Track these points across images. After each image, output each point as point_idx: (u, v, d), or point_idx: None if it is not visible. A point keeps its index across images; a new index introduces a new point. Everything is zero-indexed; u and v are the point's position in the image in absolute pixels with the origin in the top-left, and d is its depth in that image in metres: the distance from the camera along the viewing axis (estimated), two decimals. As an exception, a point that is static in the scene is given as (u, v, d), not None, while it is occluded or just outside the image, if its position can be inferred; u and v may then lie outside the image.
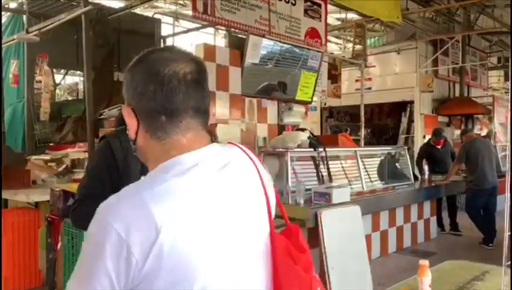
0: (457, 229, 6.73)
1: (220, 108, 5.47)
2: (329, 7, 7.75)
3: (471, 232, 6.38)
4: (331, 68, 8.69)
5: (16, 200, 4.31)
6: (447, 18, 10.74)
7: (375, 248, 5.40)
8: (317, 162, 5.01)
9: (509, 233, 1.68)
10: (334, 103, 10.07)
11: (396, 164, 6.64)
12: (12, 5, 7.09)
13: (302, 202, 4.25)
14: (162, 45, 7.83)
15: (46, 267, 3.92)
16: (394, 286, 2.05)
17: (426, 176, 7.01)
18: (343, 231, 4.18)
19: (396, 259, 5.42)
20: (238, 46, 5.77)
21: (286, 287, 0.88)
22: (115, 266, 0.74)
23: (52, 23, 5.22)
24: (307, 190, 4.44)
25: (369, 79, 10.20)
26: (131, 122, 0.90)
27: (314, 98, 7.16)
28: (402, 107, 10.93)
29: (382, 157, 6.44)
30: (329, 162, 5.03)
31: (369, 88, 10.05)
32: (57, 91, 7.61)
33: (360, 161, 5.53)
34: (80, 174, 4.80)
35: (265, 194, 0.93)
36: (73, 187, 3.68)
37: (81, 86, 7.11)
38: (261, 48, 5.77)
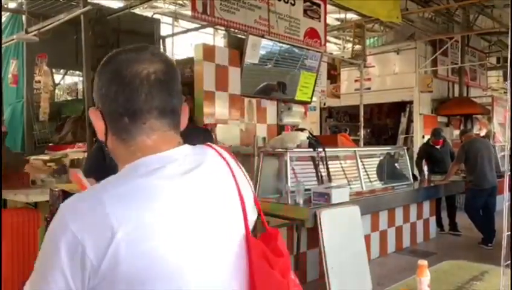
0: (456, 229, 6.73)
1: (219, 108, 5.47)
2: (329, 7, 7.75)
3: (470, 232, 6.38)
4: (330, 68, 8.69)
5: (15, 200, 4.31)
6: (446, 18, 10.75)
7: (375, 248, 5.40)
8: (317, 162, 5.01)
9: (508, 233, 1.69)
10: (333, 103, 10.08)
11: (396, 164, 6.65)
12: (12, 5, 7.09)
13: (301, 202, 4.26)
14: (161, 45, 7.85)
15: (45, 267, 3.92)
16: (393, 286, 2.05)
17: (425, 176, 7.02)
18: (343, 231, 4.19)
19: (395, 259, 5.42)
20: (237, 46, 5.78)
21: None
22: (70, 266, 0.73)
23: (51, 23, 5.23)
24: (306, 190, 4.45)
25: (369, 79, 10.21)
26: (99, 124, 0.89)
27: (314, 98, 7.17)
28: (401, 107, 10.94)
29: (381, 158, 6.45)
30: (329, 162, 5.03)
31: (369, 88, 10.06)
32: (56, 91, 7.61)
33: (359, 161, 5.54)
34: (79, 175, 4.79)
35: (240, 197, 0.91)
36: (73, 187, 3.68)
37: (80, 86, 7.11)
38: (260, 48, 5.78)
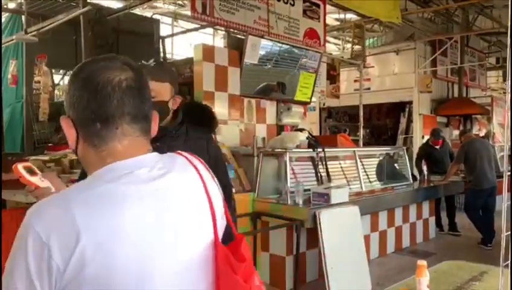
0: (455, 230, 6.74)
1: (218, 108, 5.47)
2: (328, 8, 7.75)
3: (470, 233, 6.39)
4: (329, 68, 8.70)
5: (14, 200, 4.30)
6: (446, 18, 10.76)
7: (374, 248, 5.40)
8: (316, 162, 5.01)
9: (507, 233, 1.69)
10: (333, 103, 10.08)
11: (395, 164, 6.65)
12: (11, 6, 7.08)
13: (301, 202, 4.26)
14: (160, 46, 7.85)
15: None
16: (393, 286, 2.05)
17: (425, 176, 7.02)
18: (342, 232, 4.19)
19: (395, 259, 5.43)
20: (237, 47, 5.78)
21: None
22: (36, 269, 0.74)
23: (51, 24, 5.23)
24: (305, 190, 4.45)
25: (368, 79, 10.22)
26: (70, 132, 0.91)
27: (313, 99, 7.17)
28: (401, 107, 10.94)
29: (381, 158, 6.45)
30: (328, 163, 5.03)
31: (368, 88, 10.06)
32: (56, 91, 7.60)
33: (358, 161, 5.54)
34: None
35: (210, 203, 0.92)
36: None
37: (80, 87, 7.09)
38: (259, 48, 5.78)
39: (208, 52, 5.45)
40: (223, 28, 6.72)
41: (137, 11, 7.33)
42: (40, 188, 1.12)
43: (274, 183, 4.79)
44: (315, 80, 6.81)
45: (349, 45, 10.78)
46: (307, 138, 5.06)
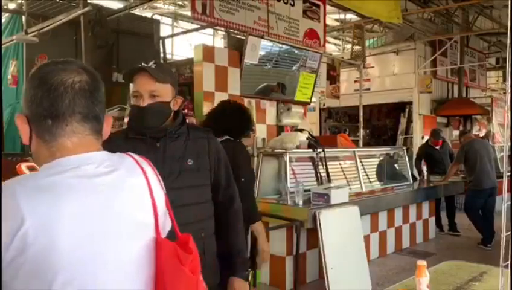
0: (455, 230, 6.74)
1: (218, 109, 5.47)
2: (328, 8, 7.76)
3: (470, 233, 6.39)
4: (329, 69, 8.71)
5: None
6: (446, 19, 10.76)
7: (374, 249, 5.40)
8: (316, 162, 5.01)
9: (507, 234, 1.69)
10: (332, 104, 10.09)
11: (395, 165, 6.65)
12: (11, 6, 7.08)
13: (301, 202, 4.26)
14: (161, 46, 7.86)
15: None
16: (392, 287, 2.05)
17: (425, 177, 7.02)
18: (342, 232, 4.19)
19: (394, 259, 5.43)
20: (237, 47, 5.78)
21: (171, 287, 0.94)
22: None
23: (51, 24, 5.23)
24: (305, 190, 4.45)
25: (368, 80, 10.23)
26: (23, 128, 0.95)
27: (313, 99, 7.17)
28: (401, 107, 10.95)
29: (381, 158, 6.45)
30: (328, 163, 5.03)
31: (368, 89, 10.07)
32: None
33: (358, 161, 5.54)
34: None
35: (153, 203, 0.98)
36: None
37: (80, 87, 7.10)
38: (259, 48, 5.78)
39: (208, 52, 5.45)
40: (223, 29, 6.72)
41: (138, 11, 7.33)
42: None
43: (274, 183, 4.79)
44: (315, 80, 6.81)
45: (349, 46, 10.78)
46: (307, 139, 5.06)
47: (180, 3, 10.05)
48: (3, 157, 4.68)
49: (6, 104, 6.57)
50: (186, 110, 5.32)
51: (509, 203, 1.73)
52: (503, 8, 9.20)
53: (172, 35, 9.05)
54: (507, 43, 1.56)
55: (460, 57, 11.12)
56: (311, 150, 4.95)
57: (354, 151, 5.65)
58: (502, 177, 6.44)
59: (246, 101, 5.93)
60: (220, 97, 5.51)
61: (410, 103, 10.41)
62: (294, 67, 6.39)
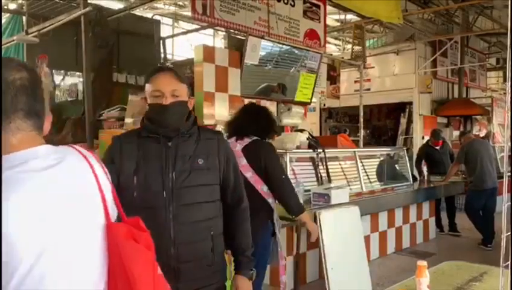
0: (455, 230, 6.74)
1: (219, 109, 5.47)
2: (329, 8, 7.76)
3: (470, 233, 6.39)
4: (330, 69, 8.71)
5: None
6: (446, 19, 10.76)
7: (374, 249, 5.41)
8: (316, 163, 5.01)
9: (507, 234, 1.69)
10: (333, 104, 10.09)
11: (395, 165, 6.65)
12: (12, 6, 7.09)
13: (301, 202, 4.25)
14: (161, 47, 7.86)
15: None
16: (392, 287, 2.06)
17: (425, 177, 7.02)
18: (342, 232, 4.19)
19: (395, 260, 5.43)
20: (237, 48, 5.78)
21: (131, 265, 0.98)
22: None
23: (51, 25, 5.23)
24: (306, 190, 4.45)
25: (368, 80, 10.22)
26: None
27: (313, 99, 7.16)
28: (401, 108, 10.95)
29: (381, 158, 6.45)
30: (329, 163, 5.03)
31: (368, 89, 10.06)
32: (57, 92, 7.60)
33: (359, 161, 5.54)
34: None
35: (100, 191, 1.04)
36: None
37: (80, 87, 7.10)
38: (260, 49, 5.78)
39: (209, 53, 5.45)
40: (223, 29, 6.72)
41: (138, 12, 7.34)
42: None
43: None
44: (315, 80, 6.81)
45: (349, 46, 10.78)
46: (307, 139, 5.06)
47: (181, 3, 10.05)
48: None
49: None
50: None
51: (510, 203, 1.74)
52: (504, 8, 9.20)
53: (172, 36, 9.04)
54: (507, 43, 1.56)
55: (461, 57, 11.11)
56: (311, 150, 4.95)
57: (354, 152, 5.65)
58: (502, 177, 6.43)
59: (246, 102, 5.93)
60: (220, 97, 5.51)
61: (411, 103, 10.40)
62: (294, 68, 6.38)
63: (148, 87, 1.73)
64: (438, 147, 7.12)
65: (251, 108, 3.22)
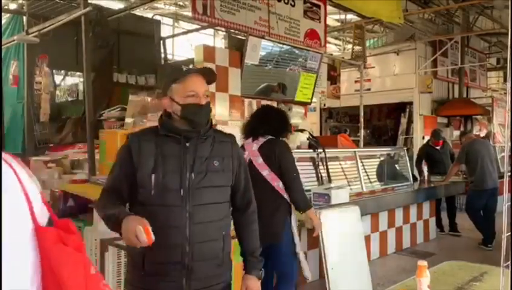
0: (456, 230, 6.74)
1: (219, 109, 5.47)
2: (329, 8, 7.76)
3: (470, 233, 6.39)
4: (330, 69, 8.70)
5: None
6: (446, 19, 10.76)
7: (374, 249, 5.40)
8: (317, 163, 5.01)
9: (508, 234, 1.69)
10: (333, 104, 10.08)
11: (396, 165, 6.65)
12: (12, 6, 7.09)
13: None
14: (161, 47, 7.86)
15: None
16: (393, 287, 2.06)
17: (425, 177, 7.02)
18: (343, 232, 4.19)
19: (395, 260, 5.43)
20: (237, 47, 5.78)
21: (59, 268, 0.98)
22: None
23: (52, 25, 5.23)
24: (306, 190, 4.44)
25: (369, 80, 10.22)
26: None
27: (314, 99, 7.16)
28: (401, 108, 10.94)
29: (381, 158, 6.45)
30: (329, 163, 5.03)
31: (369, 89, 10.05)
32: (57, 92, 7.60)
33: (359, 161, 5.54)
34: (79, 175, 4.81)
35: (26, 196, 1.02)
36: (73, 188, 3.69)
37: (80, 87, 7.11)
38: (260, 49, 5.78)
39: (209, 53, 5.45)
40: (223, 29, 6.72)
41: (138, 12, 7.34)
42: None
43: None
44: (315, 80, 6.81)
45: (349, 46, 10.78)
46: (308, 139, 5.06)
47: (181, 3, 10.05)
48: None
49: (8, 104, 6.57)
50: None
51: (510, 203, 1.74)
52: (504, 8, 9.20)
53: (173, 36, 9.06)
54: (508, 43, 1.56)
55: (461, 57, 11.11)
56: (311, 150, 4.95)
57: (354, 152, 5.65)
58: (503, 177, 6.44)
59: (246, 102, 5.94)
60: (221, 97, 5.51)
61: (411, 103, 10.40)
62: (294, 68, 6.38)
63: (178, 87, 1.75)
64: (438, 147, 7.12)
65: (262, 109, 3.42)
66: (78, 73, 7.43)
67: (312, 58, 6.59)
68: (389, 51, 10.56)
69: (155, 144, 1.72)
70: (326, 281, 3.85)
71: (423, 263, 1.72)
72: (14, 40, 5.76)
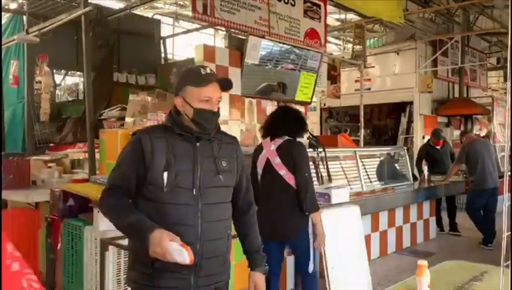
0: (456, 230, 6.74)
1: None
2: (329, 8, 7.75)
3: (471, 233, 6.39)
4: (330, 69, 8.69)
5: (15, 200, 4.30)
6: (446, 19, 10.75)
7: (375, 248, 5.40)
8: (317, 162, 5.00)
9: (508, 234, 1.69)
10: (333, 104, 10.08)
11: (396, 165, 6.65)
12: (13, 6, 7.09)
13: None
14: (161, 46, 7.86)
15: (45, 267, 3.92)
16: (393, 286, 2.06)
17: (425, 177, 7.02)
18: (343, 231, 4.19)
19: (395, 259, 5.43)
20: (238, 47, 5.78)
21: None
22: None
23: (52, 24, 5.23)
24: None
25: (369, 80, 10.21)
26: None
27: (314, 99, 7.17)
28: (401, 107, 10.94)
29: (381, 158, 6.45)
30: (329, 163, 5.03)
31: (369, 89, 10.05)
32: (57, 92, 7.61)
33: (359, 161, 5.54)
34: (80, 175, 4.81)
35: None
36: (74, 188, 3.68)
37: (81, 87, 7.11)
38: (260, 48, 5.78)
39: (209, 52, 5.45)
40: (223, 29, 6.72)
41: (138, 11, 7.34)
42: None
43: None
44: (316, 80, 6.81)
45: (349, 45, 10.78)
46: (308, 138, 5.05)
47: (181, 3, 10.05)
48: (4, 158, 4.70)
49: (8, 104, 6.57)
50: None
51: (510, 203, 1.73)
52: (504, 8, 9.19)
53: (173, 35, 9.06)
54: (508, 43, 1.56)
55: (461, 57, 11.11)
56: (312, 150, 4.94)
57: (354, 151, 5.65)
58: (503, 177, 6.43)
59: (247, 101, 5.94)
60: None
61: (411, 103, 10.39)
62: (295, 67, 6.38)
63: (193, 90, 1.75)
64: (438, 147, 7.12)
65: (279, 111, 3.51)
66: (78, 72, 7.44)
67: (312, 57, 6.59)
68: (389, 51, 10.56)
69: (166, 142, 1.73)
70: (326, 280, 3.85)
71: (423, 262, 1.72)
72: (14, 40, 5.76)
